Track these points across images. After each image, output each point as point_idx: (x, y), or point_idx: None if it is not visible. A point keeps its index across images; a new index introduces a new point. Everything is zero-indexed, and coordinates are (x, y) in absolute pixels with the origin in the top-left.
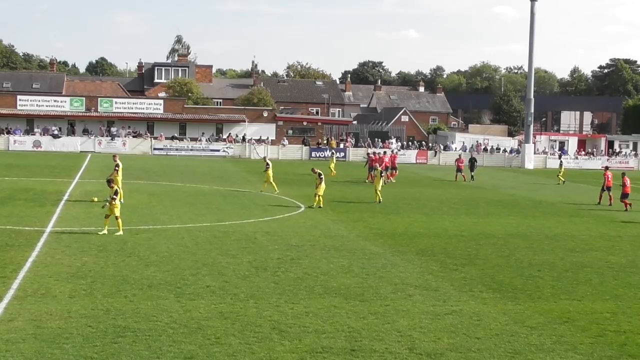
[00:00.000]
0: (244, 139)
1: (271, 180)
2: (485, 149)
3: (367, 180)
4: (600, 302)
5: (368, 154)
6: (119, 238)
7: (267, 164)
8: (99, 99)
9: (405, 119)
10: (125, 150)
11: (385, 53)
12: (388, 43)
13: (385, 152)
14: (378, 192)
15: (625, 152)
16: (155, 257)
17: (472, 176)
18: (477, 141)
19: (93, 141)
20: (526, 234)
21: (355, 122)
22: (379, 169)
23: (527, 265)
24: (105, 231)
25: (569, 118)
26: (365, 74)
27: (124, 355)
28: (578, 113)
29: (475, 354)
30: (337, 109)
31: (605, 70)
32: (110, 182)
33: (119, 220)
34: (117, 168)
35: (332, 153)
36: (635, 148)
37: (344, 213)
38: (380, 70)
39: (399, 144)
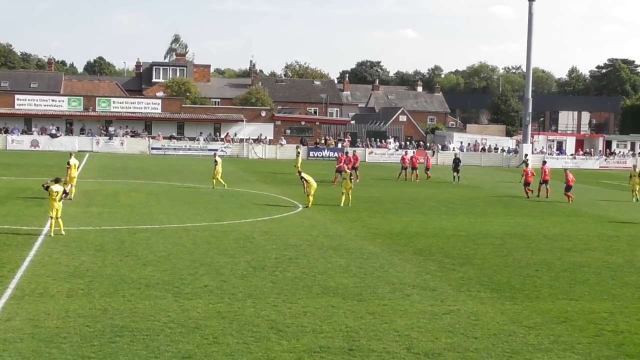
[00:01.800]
0: (241, 139)
1: (219, 177)
2: (483, 149)
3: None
4: (598, 301)
5: (347, 153)
6: (117, 237)
7: (216, 161)
8: (96, 98)
9: (403, 118)
10: (123, 150)
11: (383, 53)
12: (386, 43)
13: (347, 152)
14: (350, 195)
15: (623, 152)
16: (153, 257)
17: (455, 177)
18: (475, 140)
19: (91, 140)
20: (524, 233)
21: (353, 122)
22: (348, 170)
23: (525, 265)
24: (62, 232)
25: (566, 118)
26: (363, 74)
27: (121, 354)
28: (576, 113)
29: (473, 354)
30: (335, 109)
31: (603, 70)
32: (58, 180)
33: (54, 221)
34: (68, 165)
35: (298, 153)
36: (633, 148)
37: (342, 213)
38: (378, 70)
39: (397, 143)
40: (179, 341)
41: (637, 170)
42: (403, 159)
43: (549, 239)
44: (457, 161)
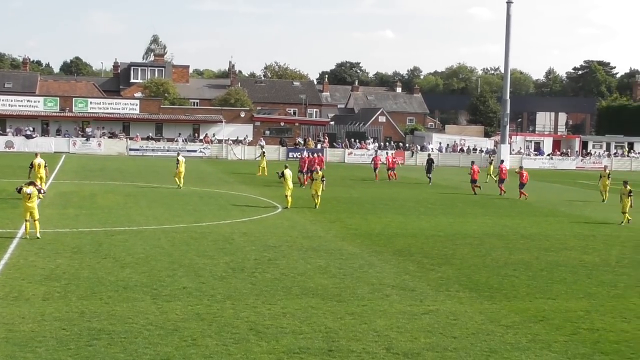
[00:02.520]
0: (220, 140)
1: (180, 176)
2: (462, 150)
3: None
4: (574, 300)
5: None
6: (94, 239)
7: (178, 160)
8: (73, 99)
9: (382, 119)
10: (100, 151)
11: (363, 54)
12: (365, 44)
13: (306, 154)
14: (319, 196)
15: (599, 153)
16: (131, 259)
17: (428, 177)
18: (454, 141)
19: (67, 141)
20: (502, 233)
21: (332, 122)
22: (320, 172)
23: (503, 264)
24: (38, 235)
25: (544, 119)
26: (343, 75)
27: (98, 358)
28: (553, 114)
29: (451, 353)
30: (315, 110)
31: (580, 72)
32: (32, 183)
33: (29, 223)
34: (30, 166)
35: (263, 153)
36: (608, 148)
37: (321, 214)
38: (358, 71)
39: (377, 144)
40: (158, 343)
41: (607, 171)
42: (374, 159)
43: (526, 239)
44: (430, 162)
